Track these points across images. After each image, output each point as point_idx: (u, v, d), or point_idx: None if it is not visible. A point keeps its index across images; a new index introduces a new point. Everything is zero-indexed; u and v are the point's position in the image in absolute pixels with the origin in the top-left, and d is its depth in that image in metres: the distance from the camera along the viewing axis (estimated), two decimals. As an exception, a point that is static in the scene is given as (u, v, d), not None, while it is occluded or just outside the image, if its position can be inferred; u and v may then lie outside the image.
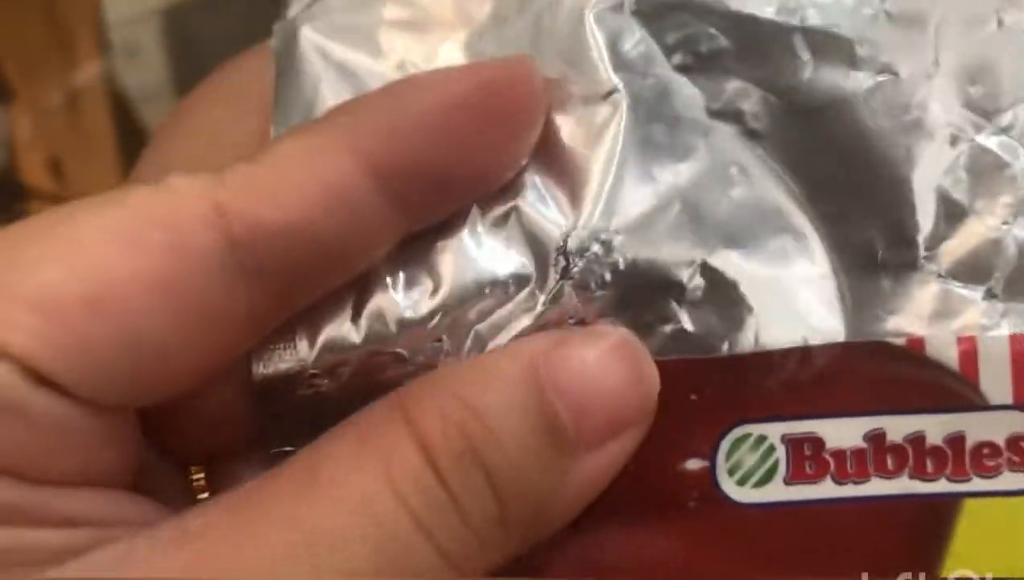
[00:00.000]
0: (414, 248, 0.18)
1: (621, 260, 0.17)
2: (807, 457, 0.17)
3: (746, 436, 0.17)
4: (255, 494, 0.16)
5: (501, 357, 0.16)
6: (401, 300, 0.17)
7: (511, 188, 0.18)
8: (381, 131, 0.16)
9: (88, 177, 0.81)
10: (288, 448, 0.17)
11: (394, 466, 0.15)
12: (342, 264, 0.17)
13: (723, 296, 0.17)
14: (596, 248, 0.17)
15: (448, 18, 0.19)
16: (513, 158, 0.17)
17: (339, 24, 0.19)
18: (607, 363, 0.16)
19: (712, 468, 0.17)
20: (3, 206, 0.82)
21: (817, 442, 0.17)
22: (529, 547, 0.17)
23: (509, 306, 0.17)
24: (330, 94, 0.18)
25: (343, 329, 0.17)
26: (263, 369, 0.17)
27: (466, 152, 0.17)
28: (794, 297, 0.17)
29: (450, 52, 0.19)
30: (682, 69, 0.18)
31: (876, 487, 0.17)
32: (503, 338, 0.17)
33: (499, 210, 0.18)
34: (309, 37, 0.19)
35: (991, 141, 0.18)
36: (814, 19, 0.18)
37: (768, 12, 0.18)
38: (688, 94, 0.18)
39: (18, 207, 0.80)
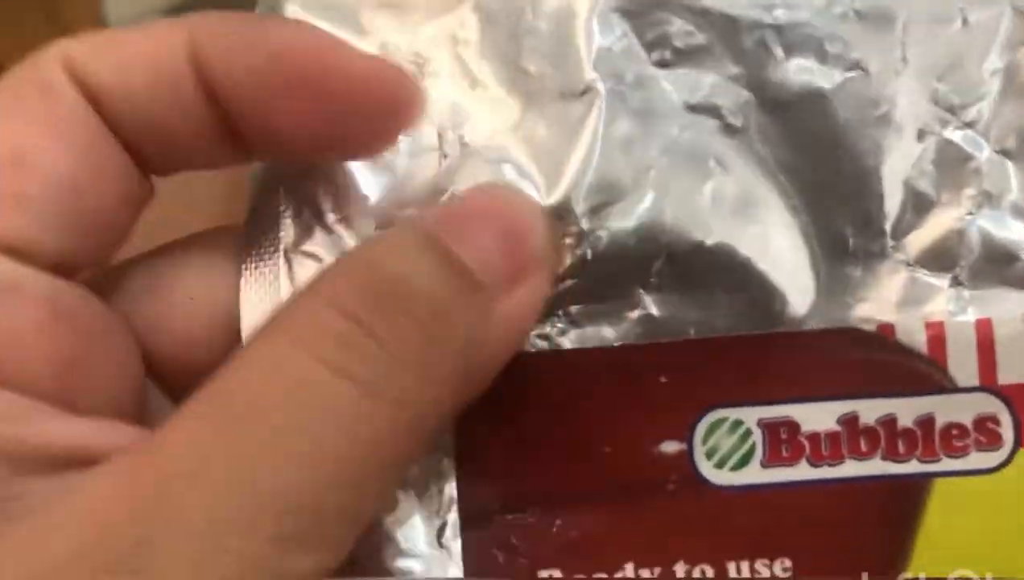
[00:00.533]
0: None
1: (590, 251, 0.18)
2: (783, 440, 0.18)
3: (722, 420, 0.18)
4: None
5: (398, 230, 0.17)
6: None
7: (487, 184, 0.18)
8: (222, 45, 0.17)
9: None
10: None
11: (309, 331, 0.15)
12: (179, 144, 0.18)
13: (692, 283, 0.18)
14: (568, 241, 0.18)
15: (429, 2, 0.19)
16: (350, 146, 0.18)
17: (323, 1, 0.19)
18: (488, 218, 0.17)
19: (689, 451, 0.18)
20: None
21: (792, 426, 0.18)
22: (470, 396, 0.17)
23: None
24: None
25: None
26: None
27: (291, 113, 0.17)
28: (765, 284, 0.18)
29: (431, 35, 0.19)
30: (661, 64, 0.19)
31: (850, 469, 0.18)
32: None
33: None
34: (294, 12, 0.19)
35: (956, 135, 0.18)
36: (786, 17, 0.19)
37: (743, 10, 0.19)
38: (667, 89, 0.19)
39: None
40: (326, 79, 0.17)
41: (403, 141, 0.18)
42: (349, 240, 0.18)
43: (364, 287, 0.16)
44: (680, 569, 0.18)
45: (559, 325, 0.18)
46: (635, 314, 0.18)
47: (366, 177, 0.19)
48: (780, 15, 0.19)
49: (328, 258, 0.18)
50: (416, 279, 0.16)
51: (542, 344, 0.18)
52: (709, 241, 0.18)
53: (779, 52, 0.19)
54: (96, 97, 0.17)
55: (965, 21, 0.18)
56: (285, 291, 0.18)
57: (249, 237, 0.19)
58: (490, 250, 0.17)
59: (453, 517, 0.18)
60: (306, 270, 0.18)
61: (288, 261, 0.18)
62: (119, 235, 0.18)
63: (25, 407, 0.16)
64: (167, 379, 0.18)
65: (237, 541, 0.14)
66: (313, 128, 0.17)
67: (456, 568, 0.18)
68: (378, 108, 0.18)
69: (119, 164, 0.17)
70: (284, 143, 0.18)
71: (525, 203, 0.18)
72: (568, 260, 0.18)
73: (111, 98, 0.17)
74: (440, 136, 0.19)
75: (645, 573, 0.18)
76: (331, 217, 0.19)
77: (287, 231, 0.19)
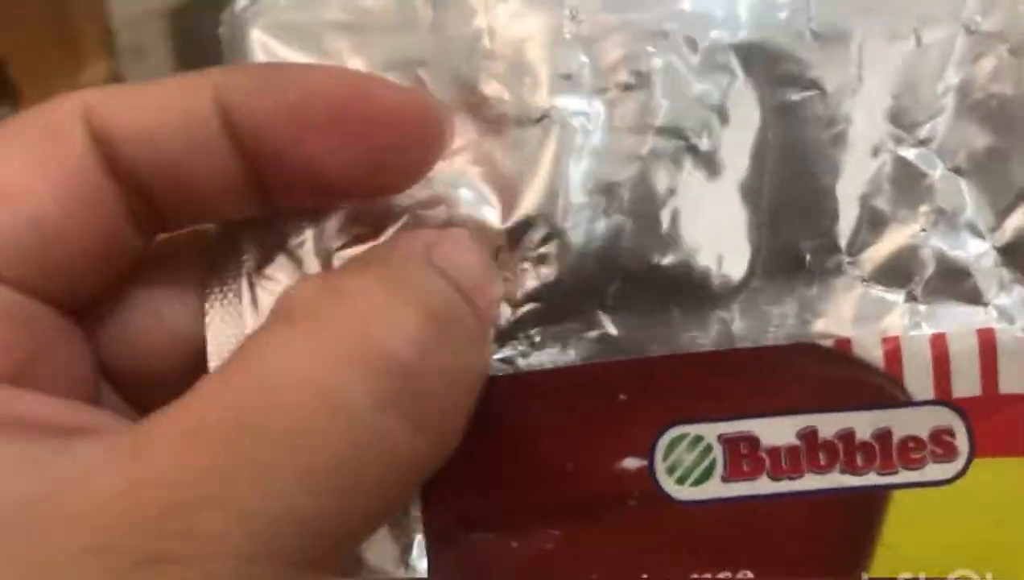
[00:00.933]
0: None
1: (550, 274, 0.18)
2: (743, 455, 0.18)
3: (683, 436, 0.18)
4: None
5: (418, 271, 0.17)
6: None
7: (444, 207, 0.19)
8: (249, 89, 0.17)
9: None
10: None
11: (359, 361, 0.16)
12: (196, 193, 0.18)
13: (649, 302, 0.18)
14: (526, 265, 0.18)
15: (389, 24, 0.20)
16: (386, 181, 0.18)
17: (285, 22, 0.20)
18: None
19: (651, 467, 0.18)
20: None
21: (752, 440, 0.18)
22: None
23: None
24: None
25: None
26: None
27: (327, 152, 0.17)
28: (718, 301, 0.18)
29: (390, 58, 0.19)
30: (622, 88, 0.19)
31: (810, 482, 0.18)
32: None
33: (431, 224, 0.19)
34: (256, 35, 0.19)
35: (910, 153, 0.18)
36: (746, 37, 0.19)
37: (702, 31, 0.19)
38: (627, 112, 0.19)
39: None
40: (361, 114, 0.17)
41: None
42: (311, 264, 0.19)
43: (407, 326, 0.16)
44: (643, 582, 0.18)
45: (520, 347, 0.19)
46: (594, 334, 0.18)
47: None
48: (739, 35, 0.19)
49: (288, 282, 0.19)
50: (456, 318, 0.17)
51: (504, 367, 0.18)
52: (665, 261, 0.18)
53: (739, 72, 0.19)
54: (111, 144, 0.17)
55: (919, 41, 0.19)
56: (249, 316, 0.19)
57: (213, 260, 0.19)
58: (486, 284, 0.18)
59: (419, 537, 0.18)
60: (268, 295, 0.19)
61: (251, 285, 0.19)
62: (96, 280, 0.18)
63: None
64: (128, 389, 0.19)
65: (259, 568, 0.14)
66: (348, 166, 0.17)
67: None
68: (414, 140, 0.18)
69: (110, 216, 0.18)
70: (316, 184, 0.18)
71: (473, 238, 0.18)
72: (527, 284, 0.18)
73: (130, 145, 0.17)
74: None
75: (609, 587, 0.18)
76: (293, 241, 0.19)
77: (250, 254, 0.19)
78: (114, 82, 0.92)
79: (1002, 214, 0.18)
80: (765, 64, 0.19)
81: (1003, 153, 0.18)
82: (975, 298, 0.18)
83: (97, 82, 0.83)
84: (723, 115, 0.19)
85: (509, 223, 0.19)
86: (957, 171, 0.18)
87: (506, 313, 0.18)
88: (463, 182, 0.19)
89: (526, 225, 0.19)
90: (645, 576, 0.18)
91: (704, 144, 0.19)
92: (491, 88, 0.19)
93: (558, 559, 0.18)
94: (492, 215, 0.19)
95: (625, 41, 0.19)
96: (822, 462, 0.18)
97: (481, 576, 0.18)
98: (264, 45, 0.19)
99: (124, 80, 0.85)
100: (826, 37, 0.19)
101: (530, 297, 0.18)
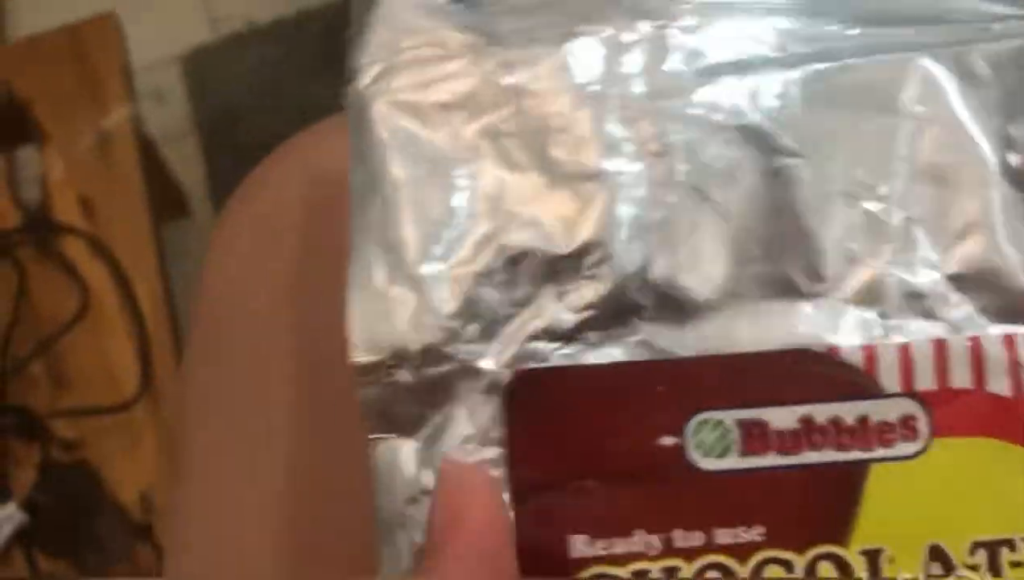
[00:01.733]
0: None
1: (604, 289, 0.24)
2: (755, 435, 0.23)
3: (707, 420, 0.23)
4: None
5: None
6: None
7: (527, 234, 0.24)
8: None
9: (118, 215, 0.87)
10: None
11: None
12: None
13: (679, 315, 0.24)
14: (583, 281, 0.24)
15: (483, 105, 0.25)
16: None
17: (401, 101, 0.25)
18: None
19: (682, 444, 0.23)
20: (37, 241, 0.87)
21: (762, 424, 0.23)
22: None
23: (516, 321, 0.24)
24: (396, 159, 0.25)
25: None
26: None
27: None
28: (730, 315, 0.24)
29: (483, 129, 0.25)
30: (655, 154, 0.24)
31: (808, 457, 0.23)
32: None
33: (515, 251, 0.24)
34: (378, 108, 0.25)
35: (873, 205, 0.24)
36: (747, 121, 0.25)
37: (714, 116, 0.25)
38: (659, 172, 0.24)
39: (52, 242, 0.86)
40: None
41: (459, 206, 0.24)
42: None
43: None
44: (678, 535, 0.23)
45: (580, 346, 0.24)
46: (635, 338, 0.24)
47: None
48: (742, 120, 0.24)
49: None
50: None
51: (568, 362, 0.24)
52: (686, 283, 0.24)
53: (741, 144, 0.24)
54: None
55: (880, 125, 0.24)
56: None
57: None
58: None
59: (506, 496, 0.23)
60: None
61: None
62: None
63: None
64: None
65: None
66: None
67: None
68: None
69: None
70: None
71: None
72: (585, 295, 0.24)
73: None
74: (487, 204, 0.24)
75: (651, 538, 0.23)
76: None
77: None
78: (136, 125, 0.96)
79: (947, 249, 0.24)
80: (759, 139, 0.24)
81: (945, 203, 0.24)
82: (931, 315, 0.23)
83: (120, 126, 0.88)
84: (729, 176, 0.24)
85: (571, 248, 0.24)
86: (910, 220, 0.24)
87: (570, 318, 0.24)
88: (536, 221, 0.24)
89: (584, 250, 0.24)
90: (678, 529, 0.23)
91: (716, 196, 0.24)
92: (559, 153, 0.24)
93: (611, 514, 0.23)
94: (558, 244, 0.24)
95: (656, 121, 0.25)
96: (817, 442, 0.23)
97: (552, 525, 0.23)
98: (384, 117, 0.25)
99: (146, 124, 0.90)
100: (807, 122, 0.24)
101: (587, 306, 0.24)
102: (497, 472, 0.23)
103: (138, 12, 0.92)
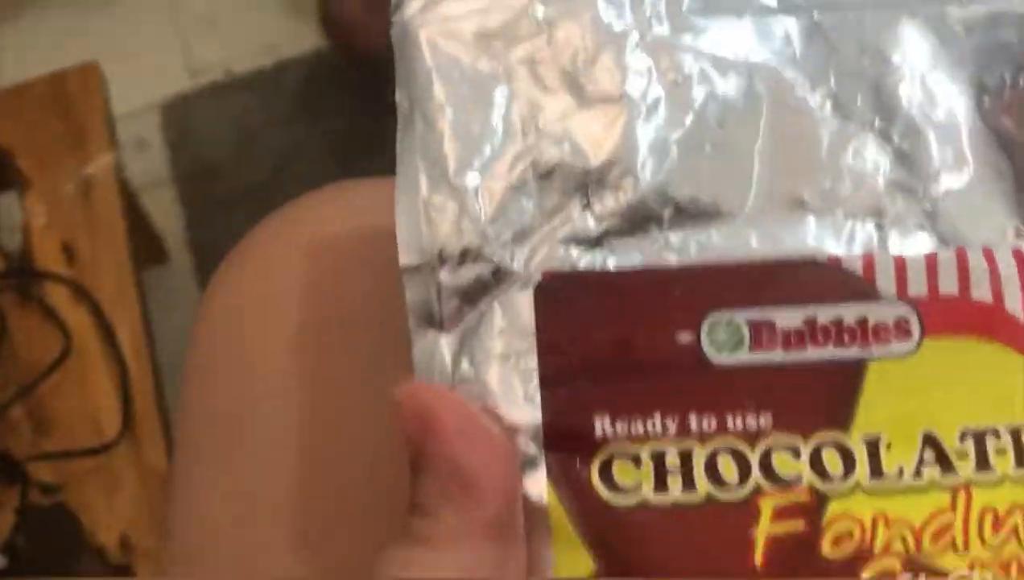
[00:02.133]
0: None
1: (627, 199, 0.26)
2: (764, 334, 0.25)
3: (721, 319, 0.26)
4: None
5: None
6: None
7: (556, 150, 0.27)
8: None
9: (100, 260, 0.88)
10: None
11: None
12: None
13: (694, 223, 0.26)
14: (608, 192, 0.26)
15: (520, 34, 0.28)
16: None
17: (445, 29, 0.27)
18: None
19: (697, 340, 0.25)
20: (19, 287, 0.88)
21: (771, 324, 0.26)
22: None
23: (546, 227, 0.26)
24: (439, 82, 0.27)
25: None
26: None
27: None
28: (742, 224, 0.26)
29: (519, 58, 0.27)
30: (673, 83, 0.27)
31: (811, 354, 0.25)
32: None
33: (546, 165, 0.26)
34: (424, 35, 0.27)
35: (873, 134, 0.27)
36: (757, 60, 0.27)
37: (728, 53, 0.27)
38: (678, 97, 0.27)
39: (34, 288, 0.87)
40: None
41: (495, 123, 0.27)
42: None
43: None
44: (692, 418, 0.25)
45: (603, 252, 0.26)
46: (654, 246, 0.26)
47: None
48: (751, 58, 0.27)
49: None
50: None
51: (593, 266, 0.26)
52: (702, 195, 0.26)
53: (751, 81, 0.27)
54: None
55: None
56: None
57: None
58: None
59: (536, 383, 0.25)
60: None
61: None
62: None
63: None
64: None
65: None
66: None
67: (538, 411, 0.25)
68: None
69: None
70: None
71: None
72: (609, 204, 0.26)
73: None
74: (522, 122, 0.27)
75: (668, 421, 0.25)
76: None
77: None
78: (118, 172, 0.98)
79: (935, 178, 0.27)
80: (770, 75, 0.27)
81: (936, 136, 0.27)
82: (923, 229, 0.26)
83: (103, 173, 0.90)
84: (741, 104, 0.27)
85: (597, 163, 0.26)
86: (902, 150, 0.27)
87: (595, 226, 0.26)
88: (566, 138, 0.27)
89: (610, 165, 0.26)
90: (692, 413, 0.25)
91: (730, 120, 0.27)
92: (586, 79, 0.27)
93: (634, 398, 0.25)
94: (586, 159, 0.26)
95: (674, 55, 0.27)
96: (820, 340, 0.25)
97: (578, 405, 0.25)
98: (429, 43, 0.27)
99: (126, 171, 0.92)
100: (811, 55, 0.27)
101: (610, 214, 0.26)
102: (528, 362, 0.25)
103: (119, 61, 0.95)
